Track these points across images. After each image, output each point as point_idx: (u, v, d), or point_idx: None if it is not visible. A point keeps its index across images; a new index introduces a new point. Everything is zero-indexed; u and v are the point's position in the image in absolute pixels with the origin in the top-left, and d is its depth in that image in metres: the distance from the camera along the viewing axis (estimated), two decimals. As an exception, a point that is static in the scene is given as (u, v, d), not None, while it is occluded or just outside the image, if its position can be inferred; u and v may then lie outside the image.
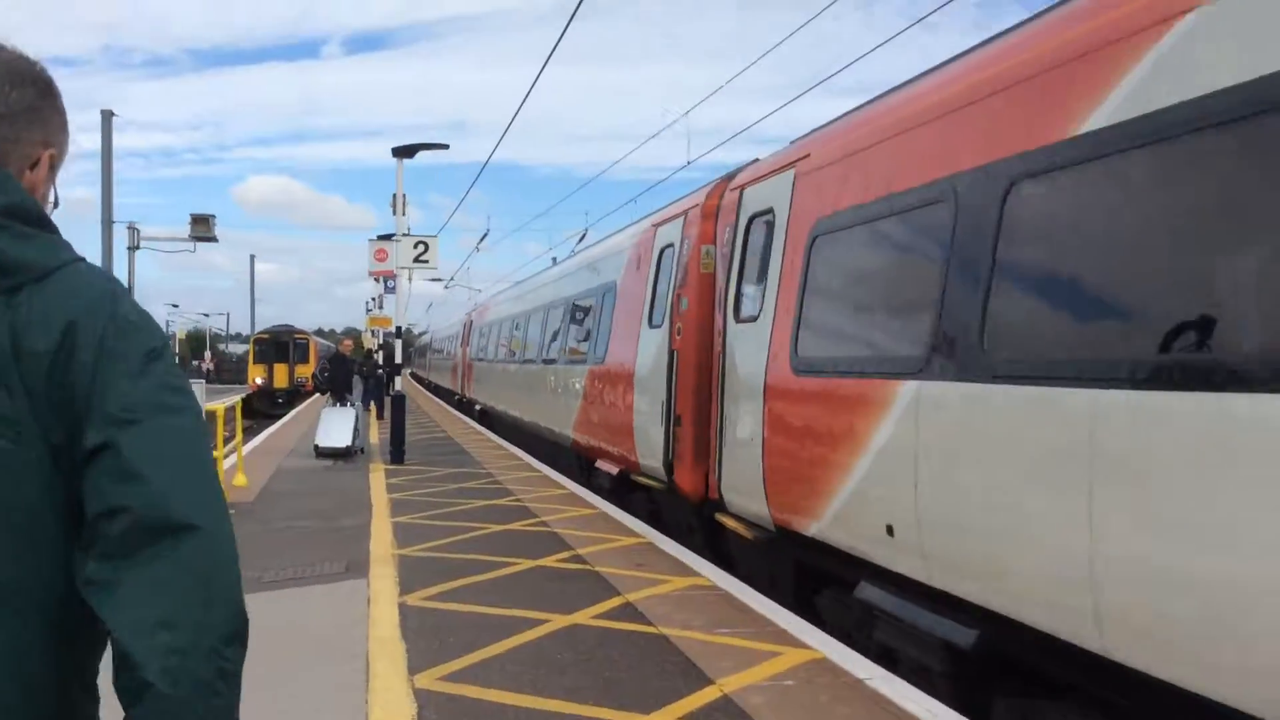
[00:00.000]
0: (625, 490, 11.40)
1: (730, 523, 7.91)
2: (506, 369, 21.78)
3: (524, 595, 6.66)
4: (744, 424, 7.49)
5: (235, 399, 20.79)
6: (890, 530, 5.40)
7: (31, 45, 1.49)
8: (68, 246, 1.43)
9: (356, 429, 16.51)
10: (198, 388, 13.90)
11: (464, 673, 5.11)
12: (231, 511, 1.64)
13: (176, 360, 1.50)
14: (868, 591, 5.80)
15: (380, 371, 26.74)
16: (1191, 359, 3.56)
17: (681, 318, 9.24)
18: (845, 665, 5.24)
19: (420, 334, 75.26)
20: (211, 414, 12.15)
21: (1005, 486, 4.47)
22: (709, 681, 4.98)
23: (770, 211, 7.39)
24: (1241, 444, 3.31)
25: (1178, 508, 3.54)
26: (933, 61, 6.00)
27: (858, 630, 6.01)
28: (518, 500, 11.25)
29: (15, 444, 1.29)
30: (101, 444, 1.30)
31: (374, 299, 33.98)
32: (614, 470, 11.62)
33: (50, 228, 1.43)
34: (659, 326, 9.97)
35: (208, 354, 76.02)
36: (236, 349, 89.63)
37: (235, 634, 1.29)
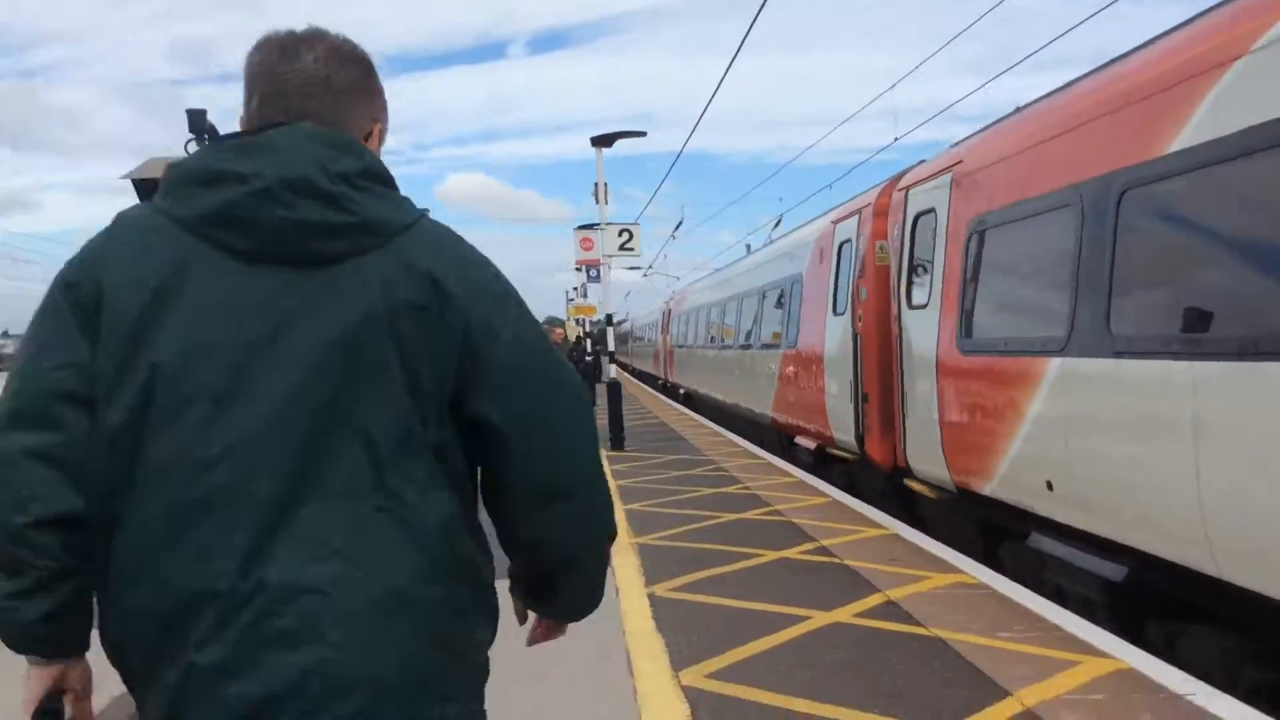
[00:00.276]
0: (822, 463, 12.52)
1: (917, 486, 8.94)
2: (706, 354, 23.18)
3: (772, 589, 6.39)
4: (922, 398, 8.48)
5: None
6: (1050, 485, 6.34)
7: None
8: (413, 204, 1.53)
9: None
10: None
11: (729, 671, 4.89)
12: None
13: None
14: (1038, 541, 6.75)
15: (589, 358, 28.42)
16: (1266, 334, 4.42)
17: (862, 305, 10.27)
18: (1157, 677, 4.63)
19: (620, 321, 78.13)
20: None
21: (1131, 444, 5.38)
22: (1005, 694, 4.48)
23: (932, 211, 8.34)
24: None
25: (1263, 455, 4.41)
26: (1134, 34, 6.78)
27: (1032, 575, 6.96)
28: (745, 488, 10.93)
29: (375, 379, 1.43)
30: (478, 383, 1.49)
31: (576, 288, 35.15)
32: (811, 445, 12.76)
33: (396, 188, 1.53)
34: (842, 314, 11.02)
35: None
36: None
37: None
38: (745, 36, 12.66)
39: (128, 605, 1.44)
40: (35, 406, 1.41)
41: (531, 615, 1.83)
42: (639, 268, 48.73)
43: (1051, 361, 6.21)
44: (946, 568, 7.01)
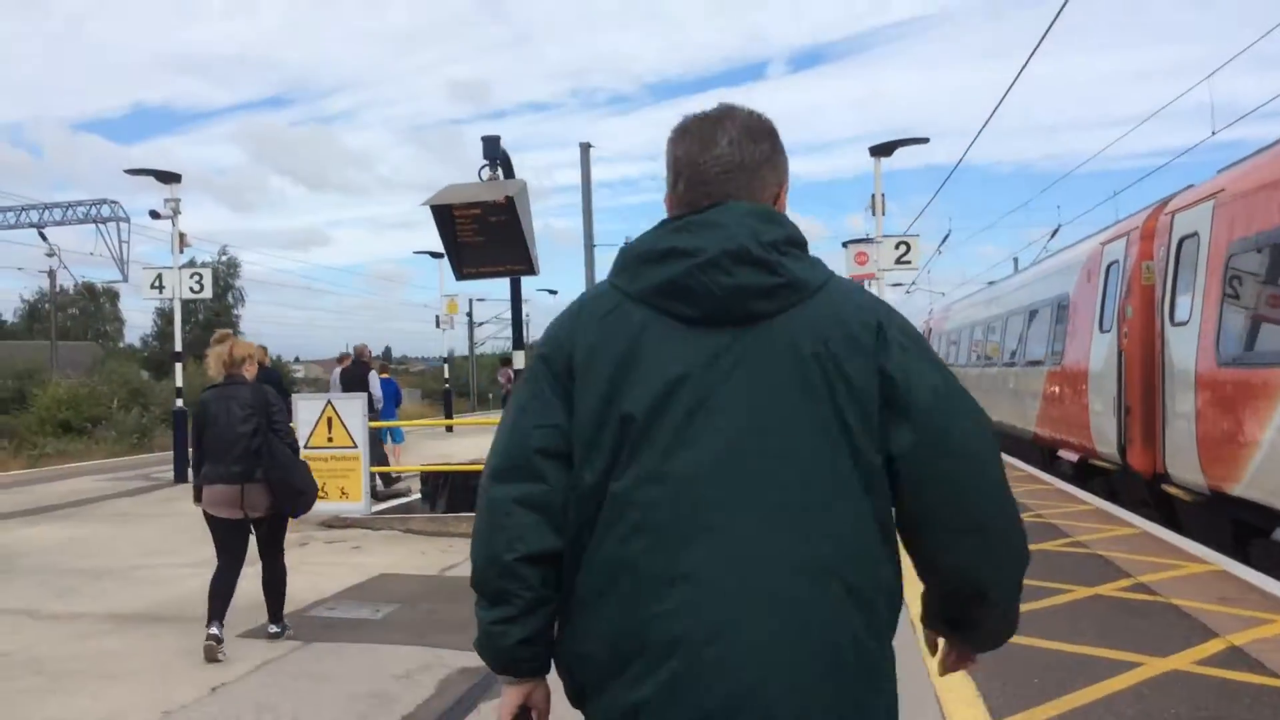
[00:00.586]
0: (1081, 475, 13.06)
1: (1174, 490, 9.57)
2: (969, 372, 23.59)
3: (1092, 629, 5.78)
4: (1181, 409, 9.14)
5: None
6: (1296, 485, 7.01)
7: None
8: (824, 264, 1.66)
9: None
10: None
11: (1060, 721, 4.38)
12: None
13: None
14: (1283, 536, 7.38)
15: None
16: None
17: (1128, 323, 10.90)
18: None
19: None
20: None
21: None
22: None
23: (1195, 234, 9.01)
24: None
25: None
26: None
27: (1276, 567, 7.56)
28: (1039, 515, 10.04)
29: (811, 420, 1.57)
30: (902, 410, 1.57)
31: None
32: (1074, 458, 13.32)
33: (808, 250, 1.66)
34: (1108, 331, 11.65)
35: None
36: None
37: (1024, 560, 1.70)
38: (1039, 42, 13.36)
39: (592, 627, 1.60)
40: (521, 461, 1.64)
41: (942, 643, 1.87)
42: (901, 283, 47.46)
43: (1299, 371, 6.90)
44: (1291, 609, 6.18)
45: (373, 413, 13.54)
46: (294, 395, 12.05)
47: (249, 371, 6.16)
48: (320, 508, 6.75)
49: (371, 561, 8.70)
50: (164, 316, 54.01)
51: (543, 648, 1.67)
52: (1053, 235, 27.68)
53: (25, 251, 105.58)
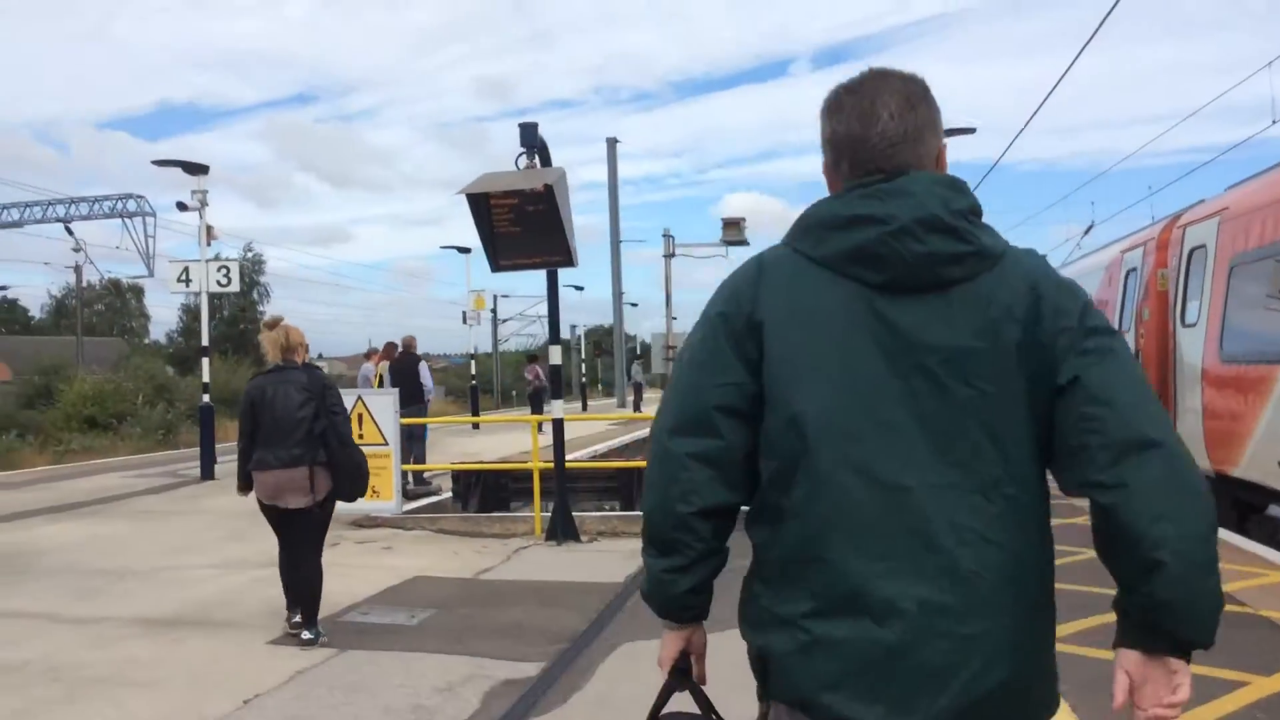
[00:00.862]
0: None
1: (1183, 476, 10.67)
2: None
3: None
4: (1190, 400, 10.25)
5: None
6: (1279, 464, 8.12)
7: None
8: (999, 233, 1.67)
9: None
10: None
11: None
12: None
13: None
14: (1276, 510, 8.50)
15: None
16: None
17: (1144, 324, 12.01)
18: None
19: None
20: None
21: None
22: None
23: (1203, 246, 10.13)
24: None
25: None
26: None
27: (1271, 539, 8.67)
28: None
29: (997, 386, 1.57)
30: (1073, 378, 1.55)
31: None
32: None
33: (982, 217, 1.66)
34: (1127, 331, 12.75)
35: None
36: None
37: (1211, 526, 1.52)
38: (1091, 37, 14.29)
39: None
40: (700, 416, 1.66)
41: (1120, 677, 1.59)
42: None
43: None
44: None
45: (424, 404, 13.65)
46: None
47: (300, 358, 6.08)
48: (351, 506, 6.74)
49: (404, 563, 8.39)
50: (189, 313, 53.45)
51: (707, 596, 1.74)
52: (1086, 232, 28.40)
53: (52, 246, 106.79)
